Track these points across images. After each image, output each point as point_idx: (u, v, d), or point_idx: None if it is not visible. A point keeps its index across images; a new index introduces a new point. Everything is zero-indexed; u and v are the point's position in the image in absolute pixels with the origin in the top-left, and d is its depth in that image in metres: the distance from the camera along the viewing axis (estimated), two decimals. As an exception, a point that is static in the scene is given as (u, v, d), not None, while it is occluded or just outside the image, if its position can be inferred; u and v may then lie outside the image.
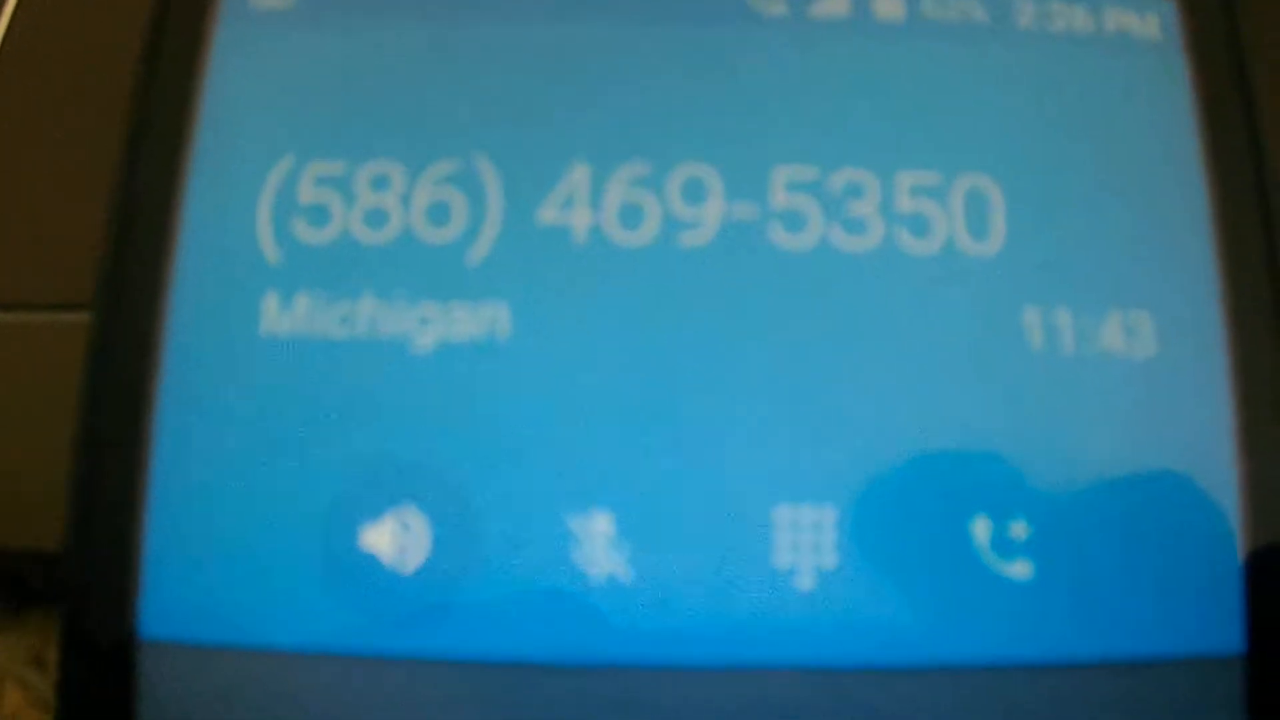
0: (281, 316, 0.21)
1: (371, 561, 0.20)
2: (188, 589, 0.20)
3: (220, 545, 0.20)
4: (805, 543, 0.20)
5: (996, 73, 0.22)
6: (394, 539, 0.20)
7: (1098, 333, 0.21)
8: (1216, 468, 0.21)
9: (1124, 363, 0.21)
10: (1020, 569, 0.20)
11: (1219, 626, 0.20)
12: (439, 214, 0.21)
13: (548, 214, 0.21)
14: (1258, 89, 0.22)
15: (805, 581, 0.20)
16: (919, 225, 0.21)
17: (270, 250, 0.21)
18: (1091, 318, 0.21)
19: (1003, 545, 0.20)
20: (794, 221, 0.21)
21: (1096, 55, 0.22)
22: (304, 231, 0.21)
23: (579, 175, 0.21)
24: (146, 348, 0.21)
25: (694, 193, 0.21)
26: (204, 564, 0.20)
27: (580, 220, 0.21)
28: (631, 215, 0.21)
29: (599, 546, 0.20)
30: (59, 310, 0.23)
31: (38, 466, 0.22)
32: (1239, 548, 0.20)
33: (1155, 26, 0.22)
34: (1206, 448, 0.21)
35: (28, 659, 0.24)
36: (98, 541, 0.20)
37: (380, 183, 0.21)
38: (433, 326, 0.21)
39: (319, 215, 0.21)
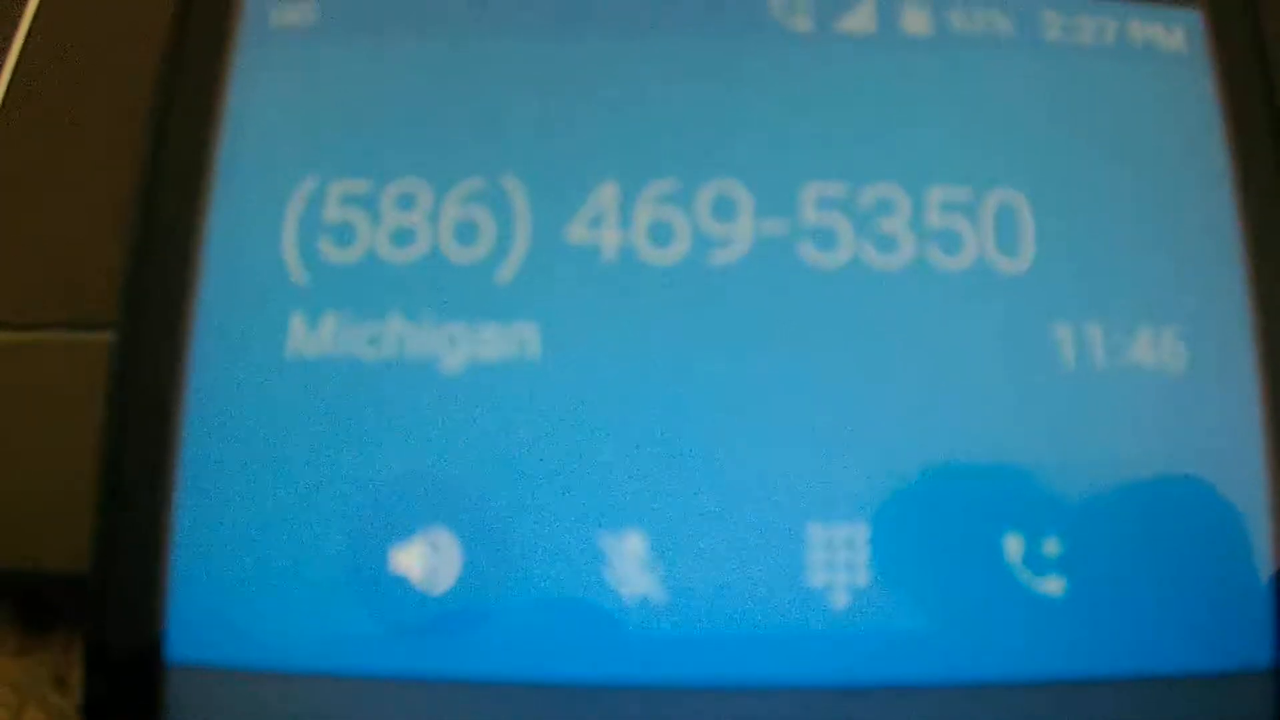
0: (308, 337, 0.21)
1: (401, 583, 0.20)
2: (214, 612, 0.20)
3: (247, 567, 0.20)
4: (839, 561, 0.20)
5: (1024, 86, 0.22)
6: (424, 560, 0.20)
7: (1128, 348, 0.21)
8: (1247, 482, 0.20)
9: (1155, 378, 0.21)
10: (1053, 585, 0.20)
11: (1250, 641, 0.20)
12: (466, 233, 0.21)
13: (576, 232, 0.21)
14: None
15: (839, 599, 0.20)
16: (950, 241, 0.21)
17: (296, 270, 0.21)
18: (1122, 333, 0.21)
19: (1036, 562, 0.20)
20: (825, 239, 0.21)
21: (1123, 68, 0.22)
22: (330, 251, 0.21)
23: (607, 193, 0.21)
24: (171, 368, 0.21)
25: (724, 210, 0.21)
26: (230, 586, 0.20)
27: (609, 238, 0.21)
28: (661, 233, 0.21)
29: (631, 566, 0.20)
30: (81, 330, 0.22)
31: (59, 488, 0.22)
32: (1270, 562, 0.20)
33: (1181, 38, 0.22)
34: (1237, 462, 0.21)
35: (50, 680, 0.24)
36: (123, 564, 0.20)
37: (406, 201, 0.21)
38: (461, 346, 0.20)
39: (345, 235, 0.21)
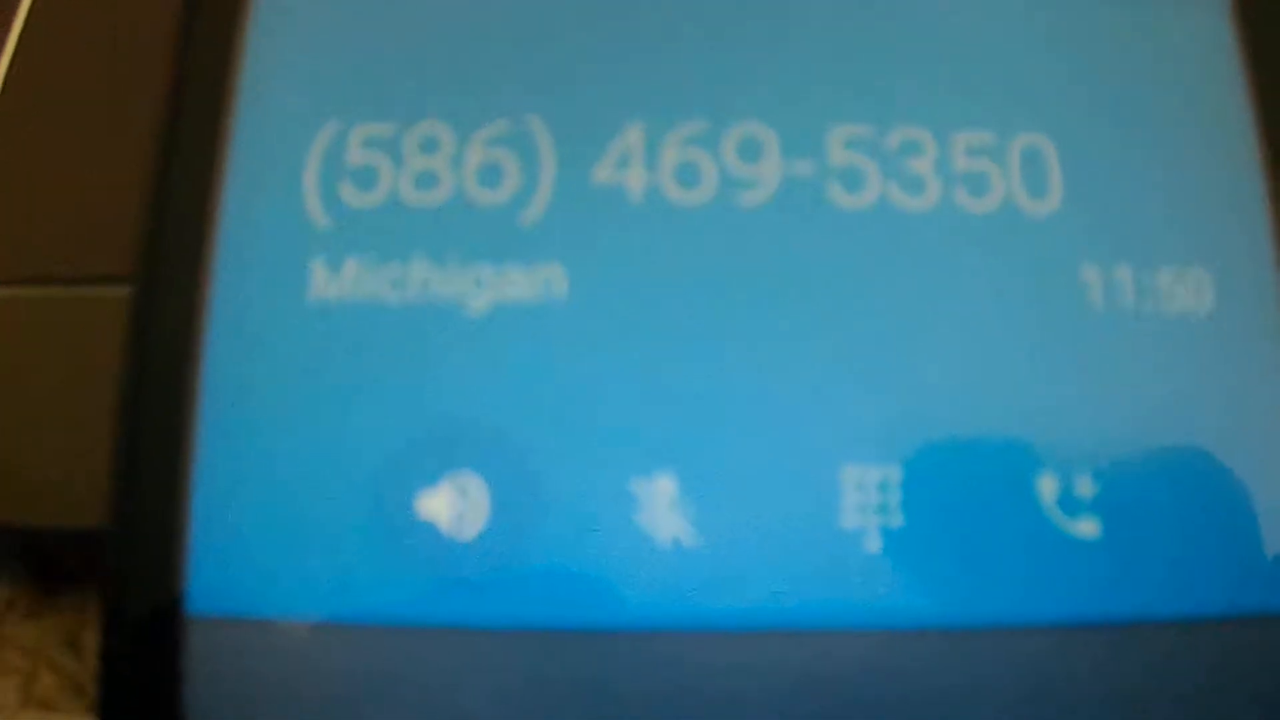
0: (330, 282, 0.20)
1: (428, 529, 0.20)
2: (236, 562, 0.20)
3: (270, 516, 0.20)
4: (872, 503, 0.20)
5: (1048, 30, 0.22)
6: (451, 506, 0.20)
7: (1157, 289, 0.21)
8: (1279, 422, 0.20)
9: (1184, 319, 0.21)
10: (1087, 527, 0.20)
11: (1285, 583, 0.20)
12: (491, 175, 0.21)
13: (602, 174, 0.21)
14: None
15: (873, 542, 0.20)
16: (977, 183, 0.21)
17: (318, 215, 0.21)
18: (1150, 274, 0.21)
19: (1069, 503, 0.20)
20: (852, 180, 0.21)
21: (1145, 11, 0.22)
22: (352, 195, 0.21)
23: (634, 134, 0.21)
24: (190, 318, 0.20)
25: (751, 151, 0.21)
26: (253, 536, 0.20)
27: (635, 180, 0.21)
28: (688, 174, 0.21)
29: (662, 510, 0.20)
30: (98, 284, 0.22)
31: (73, 443, 0.22)
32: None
33: (1202, -18, 0.22)
34: (1269, 400, 0.20)
35: (61, 642, 0.24)
36: (142, 517, 0.20)
37: (430, 144, 0.21)
38: (487, 289, 0.20)
39: (367, 178, 0.21)
